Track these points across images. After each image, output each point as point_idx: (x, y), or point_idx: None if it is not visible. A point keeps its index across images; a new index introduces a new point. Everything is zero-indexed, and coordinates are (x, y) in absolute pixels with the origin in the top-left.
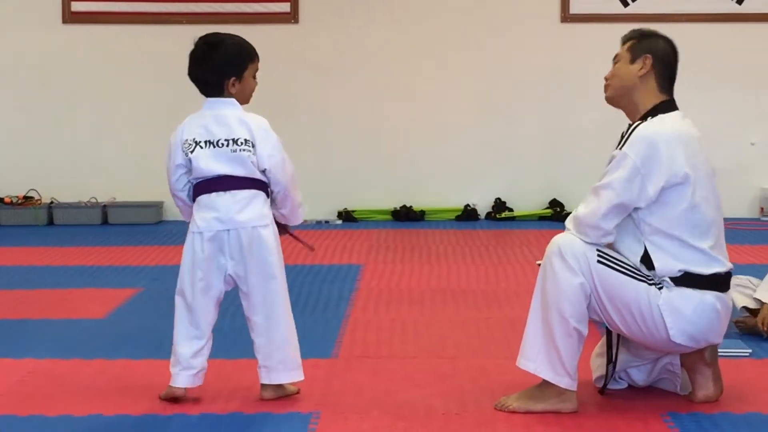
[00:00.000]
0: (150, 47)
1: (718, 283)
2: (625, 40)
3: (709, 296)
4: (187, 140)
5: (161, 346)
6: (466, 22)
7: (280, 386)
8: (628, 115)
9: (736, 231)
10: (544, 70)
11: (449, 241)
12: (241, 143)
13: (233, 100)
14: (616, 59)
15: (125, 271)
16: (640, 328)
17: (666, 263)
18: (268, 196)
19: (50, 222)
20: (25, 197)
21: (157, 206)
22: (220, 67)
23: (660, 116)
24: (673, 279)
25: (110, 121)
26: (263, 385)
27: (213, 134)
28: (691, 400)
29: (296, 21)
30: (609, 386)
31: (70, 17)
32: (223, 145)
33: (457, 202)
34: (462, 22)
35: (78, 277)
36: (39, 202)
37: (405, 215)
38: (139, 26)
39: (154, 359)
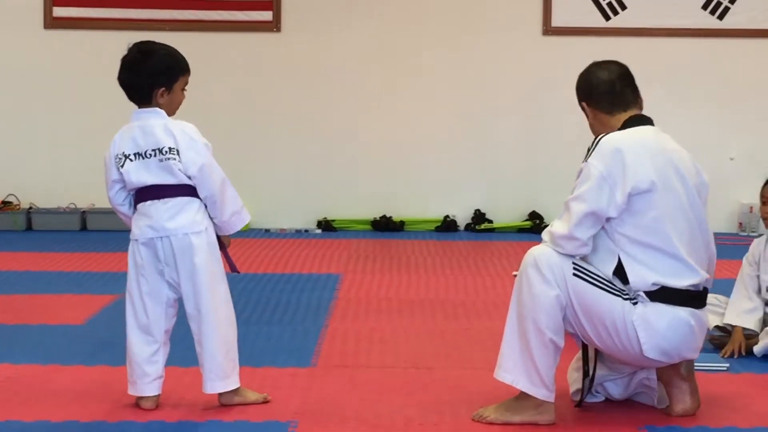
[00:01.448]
0: None
1: (693, 298)
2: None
3: (682, 312)
4: (117, 155)
5: None
6: (448, 32)
7: (235, 393)
8: None
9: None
10: (526, 83)
11: (428, 252)
12: (166, 152)
13: (159, 109)
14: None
15: (104, 278)
16: (614, 342)
17: (640, 275)
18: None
19: (29, 227)
20: (4, 202)
21: None
22: (151, 76)
23: (627, 129)
24: (647, 294)
25: (90, 126)
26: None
27: (140, 146)
28: (668, 414)
29: (278, 29)
30: (586, 399)
31: (52, 22)
32: (150, 155)
33: (436, 213)
34: (444, 33)
35: (56, 282)
36: (18, 207)
37: (384, 225)
38: (121, 32)
39: None
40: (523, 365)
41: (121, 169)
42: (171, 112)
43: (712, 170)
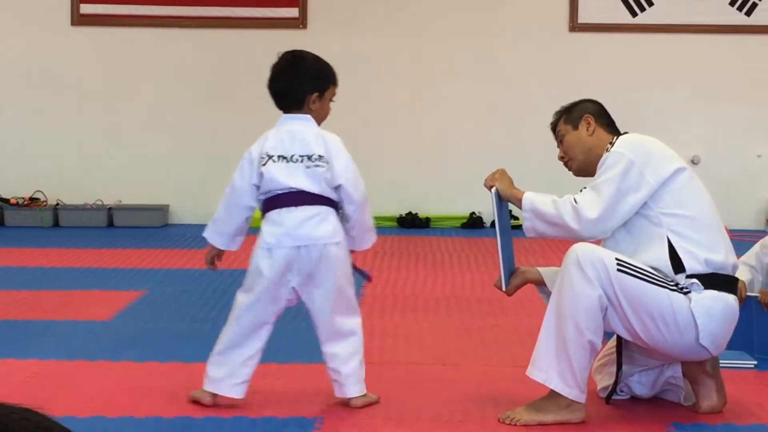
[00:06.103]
0: (158, 50)
1: (734, 283)
2: (555, 122)
3: (730, 298)
4: (261, 154)
5: (166, 348)
6: (474, 29)
7: (365, 396)
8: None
9: (742, 242)
10: (552, 79)
11: (454, 249)
12: (316, 159)
13: (310, 116)
14: (559, 139)
15: (130, 274)
16: (663, 333)
17: (691, 252)
18: (338, 214)
19: (56, 224)
20: (31, 199)
21: (163, 209)
22: (305, 81)
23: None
24: (701, 279)
25: (117, 123)
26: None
27: (287, 149)
28: (695, 411)
29: (304, 26)
30: (612, 397)
31: (79, 19)
32: (297, 160)
33: (462, 210)
34: (470, 30)
35: (83, 278)
36: (45, 203)
37: (410, 222)
38: (147, 29)
39: (158, 362)
40: (558, 365)
41: (262, 168)
42: (319, 122)
43: (740, 167)
